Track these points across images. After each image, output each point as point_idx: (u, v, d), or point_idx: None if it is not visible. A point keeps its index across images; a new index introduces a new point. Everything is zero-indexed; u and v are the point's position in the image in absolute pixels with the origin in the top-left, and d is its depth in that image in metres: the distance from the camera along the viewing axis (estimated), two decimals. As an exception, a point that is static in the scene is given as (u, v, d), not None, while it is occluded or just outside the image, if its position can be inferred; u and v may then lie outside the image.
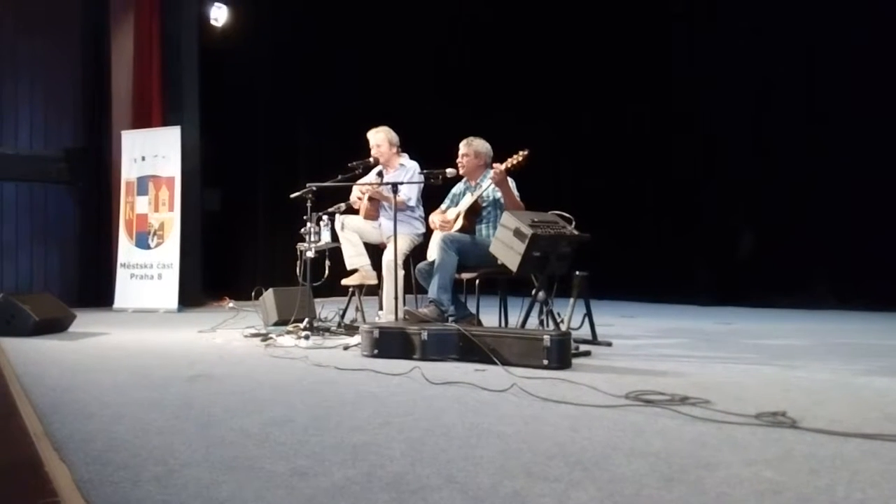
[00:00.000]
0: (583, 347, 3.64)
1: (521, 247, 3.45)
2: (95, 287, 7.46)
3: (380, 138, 4.75)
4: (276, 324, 4.83)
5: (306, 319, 4.27)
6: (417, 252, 4.67)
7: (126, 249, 7.09)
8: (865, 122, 6.08)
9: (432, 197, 4.77)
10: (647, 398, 2.32)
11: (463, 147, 4.39)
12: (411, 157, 4.83)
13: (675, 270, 7.35)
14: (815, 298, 6.37)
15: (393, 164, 4.76)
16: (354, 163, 4.61)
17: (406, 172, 4.66)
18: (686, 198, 7.38)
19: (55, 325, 4.68)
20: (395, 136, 4.80)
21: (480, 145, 4.39)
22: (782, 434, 1.89)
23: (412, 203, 4.66)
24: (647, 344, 4.13)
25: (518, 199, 4.16)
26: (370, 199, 4.71)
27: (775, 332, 4.79)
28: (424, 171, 4.54)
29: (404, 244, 4.51)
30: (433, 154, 4.90)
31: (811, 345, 4.05)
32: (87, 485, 1.48)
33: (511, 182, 4.20)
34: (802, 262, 6.44)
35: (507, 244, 3.56)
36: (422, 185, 4.61)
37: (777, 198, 6.69)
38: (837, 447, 1.75)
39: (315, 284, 4.60)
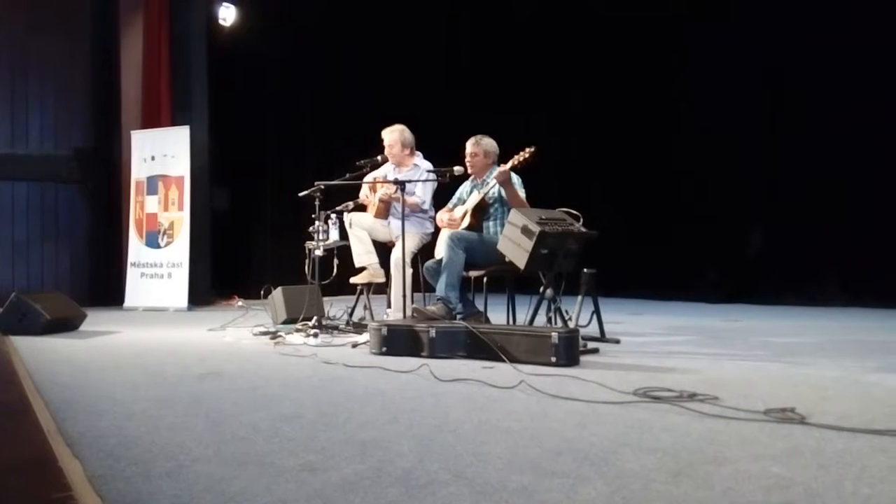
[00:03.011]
0: (591, 345, 3.63)
1: (528, 244, 3.45)
2: (106, 286, 7.51)
3: (393, 138, 4.75)
4: (284, 322, 4.85)
5: (315, 317, 4.29)
6: (425, 250, 4.68)
7: (136, 248, 7.13)
8: (876, 117, 6.04)
9: (440, 195, 4.78)
10: (655, 395, 2.33)
11: (471, 146, 4.38)
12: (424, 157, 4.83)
13: (684, 268, 7.33)
14: (825, 295, 6.33)
15: (406, 164, 4.77)
16: (362, 161, 4.62)
17: (418, 173, 4.65)
18: (694, 195, 7.35)
19: (66, 324, 4.71)
20: (408, 137, 4.78)
21: (488, 144, 4.39)
22: (791, 430, 1.89)
23: (426, 206, 4.66)
24: (656, 341, 4.12)
25: (523, 197, 4.15)
26: (382, 200, 4.71)
27: (784, 329, 4.78)
28: (433, 169, 4.54)
29: (413, 242, 4.52)
30: (440, 151, 4.90)
31: (820, 342, 4.04)
32: (99, 480, 1.50)
33: (517, 179, 4.20)
34: (812, 259, 6.40)
35: (514, 241, 3.56)
36: (435, 185, 4.61)
37: (785, 194, 6.67)
38: (846, 443, 1.75)
39: (323, 283, 4.62)
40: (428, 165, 4.72)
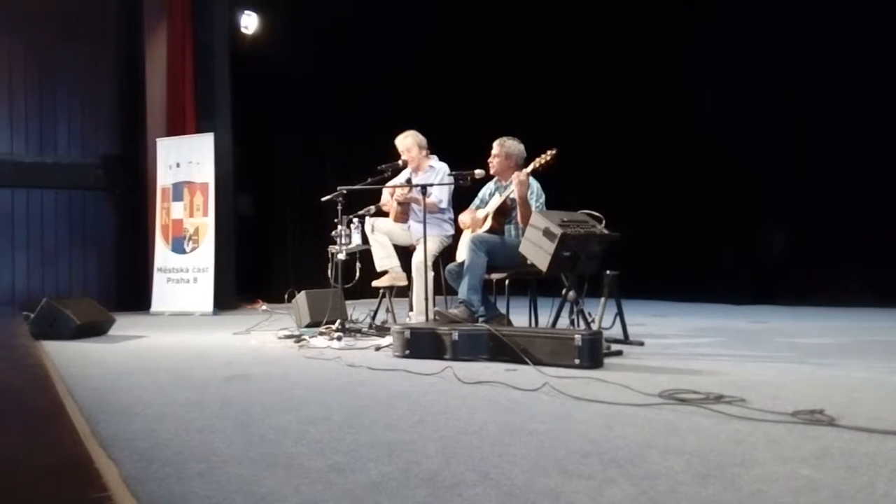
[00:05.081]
0: (614, 347, 3.62)
1: (550, 247, 3.45)
2: (133, 291, 7.64)
3: (408, 143, 4.78)
4: (308, 325, 4.89)
5: (338, 321, 4.32)
6: (447, 253, 4.69)
7: (162, 254, 7.24)
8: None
9: (462, 198, 4.79)
10: (681, 397, 2.31)
11: (495, 147, 4.40)
12: (440, 160, 4.86)
13: (707, 269, 7.26)
14: (852, 295, 6.23)
15: (423, 167, 4.79)
16: (383, 166, 4.66)
17: (436, 174, 4.69)
18: (717, 195, 7.28)
19: (96, 329, 4.80)
20: (422, 140, 4.82)
21: (512, 146, 4.39)
22: (820, 432, 1.87)
23: (444, 205, 4.68)
24: (680, 343, 4.09)
25: (534, 212, 4.04)
26: (399, 203, 4.74)
27: (811, 331, 4.71)
28: (453, 172, 4.56)
29: (434, 245, 4.54)
30: (463, 155, 4.92)
31: (848, 343, 3.98)
32: (134, 481, 1.54)
33: (536, 185, 4.20)
34: (838, 259, 6.31)
35: (536, 244, 3.56)
36: (452, 186, 4.63)
37: (811, 193, 6.57)
38: (876, 445, 1.73)
39: (346, 286, 4.65)
40: (444, 166, 4.75)
